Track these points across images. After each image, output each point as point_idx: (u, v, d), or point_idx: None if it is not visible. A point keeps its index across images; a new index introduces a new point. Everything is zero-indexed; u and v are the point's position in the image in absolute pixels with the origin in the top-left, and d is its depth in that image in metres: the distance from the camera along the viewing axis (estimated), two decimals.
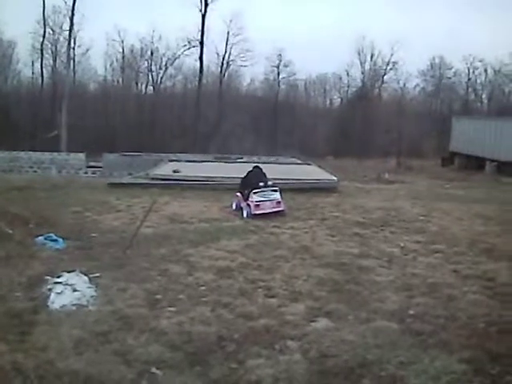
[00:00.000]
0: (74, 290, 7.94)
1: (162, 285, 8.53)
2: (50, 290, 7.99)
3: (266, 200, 15.57)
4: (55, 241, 11.29)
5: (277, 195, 15.85)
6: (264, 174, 16.66)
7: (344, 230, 13.70)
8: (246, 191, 15.77)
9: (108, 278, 8.76)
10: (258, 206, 15.37)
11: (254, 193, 15.51)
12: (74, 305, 7.55)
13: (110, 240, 11.81)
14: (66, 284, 8.15)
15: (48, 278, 8.52)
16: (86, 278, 8.51)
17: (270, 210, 15.43)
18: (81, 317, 7.10)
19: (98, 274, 8.88)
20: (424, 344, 6.64)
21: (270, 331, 6.83)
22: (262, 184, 15.95)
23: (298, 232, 13.22)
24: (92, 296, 7.84)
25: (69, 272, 8.71)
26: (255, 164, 17.94)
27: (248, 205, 15.48)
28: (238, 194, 16.21)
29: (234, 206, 16.34)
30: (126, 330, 6.70)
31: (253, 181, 16.05)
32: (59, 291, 7.89)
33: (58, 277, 8.49)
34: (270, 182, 16.30)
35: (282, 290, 8.50)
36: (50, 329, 6.69)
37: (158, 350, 6.25)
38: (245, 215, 15.35)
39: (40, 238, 11.32)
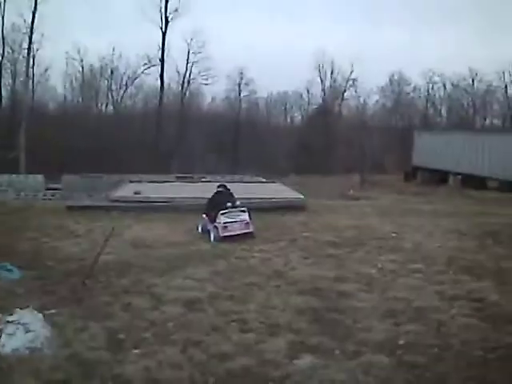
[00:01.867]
0: (28, 331, 7.05)
1: (124, 322, 7.66)
2: (0, 330, 7.10)
3: (234, 221, 14.78)
4: (10, 270, 10.47)
5: (245, 216, 15.06)
6: (231, 193, 15.95)
7: (317, 251, 13.07)
8: (213, 212, 14.94)
9: (65, 314, 7.92)
10: (225, 227, 14.56)
11: (222, 214, 14.71)
12: (27, 348, 6.67)
13: (68, 269, 10.98)
14: (19, 323, 7.26)
15: None
16: (40, 315, 7.64)
17: (239, 232, 14.64)
18: (35, 362, 6.23)
19: (53, 311, 8.05)
20: (421, 379, 6.02)
21: (248, 373, 6.06)
22: (229, 204, 15.18)
23: (268, 255, 12.50)
24: (47, 337, 6.97)
25: (22, 309, 7.84)
26: (220, 183, 17.12)
27: (215, 227, 14.66)
28: (204, 215, 15.38)
29: (200, 229, 15.51)
30: (85, 379, 5.87)
31: (220, 201, 15.24)
32: (11, 332, 7.00)
33: (10, 314, 7.63)
34: (237, 202, 15.57)
35: (258, 322, 7.72)
36: None
37: None
38: (212, 238, 14.55)
39: None
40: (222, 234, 14.42)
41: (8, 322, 7.26)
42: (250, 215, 15.13)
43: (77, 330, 7.28)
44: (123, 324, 7.57)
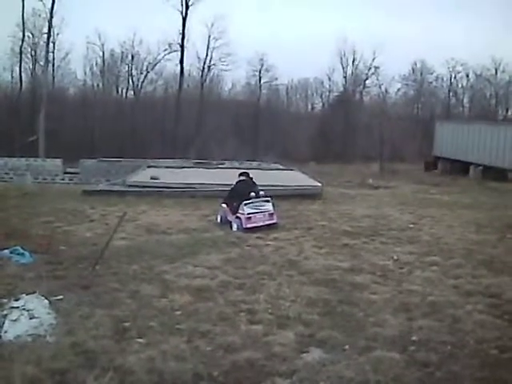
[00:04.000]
0: (32, 317, 6.95)
1: (131, 310, 7.49)
2: (4, 316, 6.98)
3: (257, 212, 14.27)
4: (21, 254, 10.39)
5: (269, 206, 14.56)
6: (254, 182, 15.44)
7: (332, 240, 12.86)
8: (235, 203, 14.39)
9: (72, 301, 7.77)
10: (249, 218, 14.06)
11: (245, 204, 14.22)
12: (30, 335, 6.54)
13: (79, 254, 10.87)
14: (23, 309, 7.16)
15: (5, 300, 7.54)
16: (46, 301, 7.53)
17: (263, 223, 14.15)
18: (36, 350, 6.09)
19: (60, 297, 7.92)
20: (432, 378, 5.78)
21: (254, 366, 5.86)
22: (253, 194, 14.66)
23: (282, 244, 12.31)
24: (51, 324, 6.85)
25: (28, 294, 7.74)
26: (242, 171, 16.49)
27: (238, 218, 14.17)
28: (224, 205, 14.84)
29: (218, 219, 14.95)
30: (87, 368, 5.70)
31: (243, 191, 14.72)
32: (14, 318, 6.89)
33: (16, 300, 7.53)
34: (261, 192, 15.04)
35: (267, 313, 7.51)
36: None
37: None
38: (234, 229, 14.02)
39: (5, 251, 10.43)
40: (245, 226, 13.96)
41: (13, 307, 7.17)
42: (274, 206, 14.72)
43: (82, 317, 7.12)
44: (129, 312, 7.40)
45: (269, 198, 14.78)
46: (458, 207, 19.81)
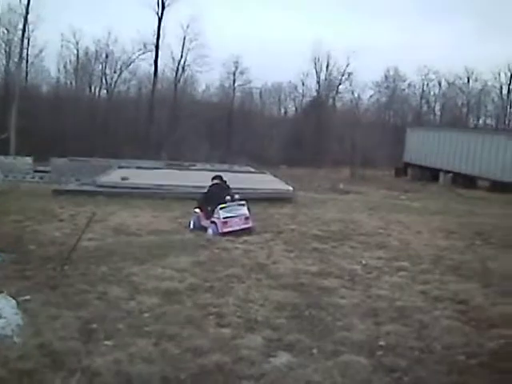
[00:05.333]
0: None
1: (99, 311, 7.40)
2: None
3: (233, 216, 14.01)
4: None
5: (245, 210, 14.29)
6: (228, 185, 15.17)
7: (301, 244, 12.88)
8: (210, 207, 14.12)
9: (39, 301, 7.67)
10: (225, 223, 13.77)
11: (221, 208, 13.96)
12: None
13: (48, 254, 10.77)
14: None
15: None
16: (13, 301, 7.41)
17: (239, 227, 13.89)
18: (3, 351, 5.99)
19: (28, 297, 7.82)
20: (400, 383, 5.81)
21: (222, 370, 5.81)
22: (228, 198, 14.38)
23: (252, 247, 12.27)
24: (18, 325, 6.75)
25: None
26: (215, 174, 15.98)
27: (213, 222, 13.90)
28: (197, 210, 14.58)
29: (191, 225, 14.58)
30: (53, 369, 5.62)
31: (218, 195, 14.40)
32: None
33: None
34: (236, 196, 14.73)
35: (235, 317, 7.48)
36: None
37: None
38: (210, 234, 13.71)
39: None
40: (221, 230, 13.67)
41: None
42: (249, 209, 14.50)
43: (49, 318, 7.02)
44: (97, 313, 7.30)
45: (244, 202, 14.55)
46: (427, 213, 20.01)
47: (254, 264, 10.66)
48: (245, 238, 13.26)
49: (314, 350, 6.48)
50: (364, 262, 11.31)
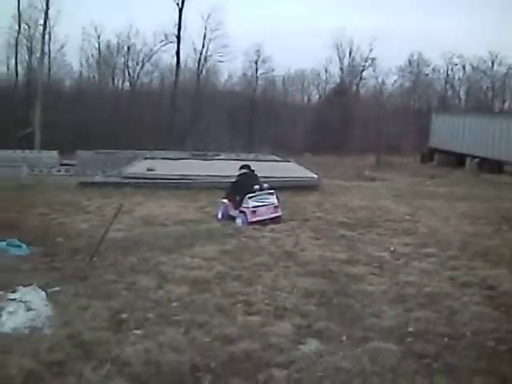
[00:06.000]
0: (29, 309, 6.94)
1: (128, 301, 7.47)
2: (1, 308, 6.97)
3: (262, 205, 13.97)
4: (18, 247, 10.44)
5: (274, 199, 14.23)
6: (256, 175, 15.06)
7: (328, 231, 12.88)
8: (238, 197, 14.05)
9: (69, 293, 7.77)
10: (254, 212, 13.73)
11: (249, 197, 13.89)
12: (27, 327, 6.54)
13: (76, 246, 10.88)
14: (21, 301, 7.14)
15: (1, 293, 7.52)
16: (43, 293, 7.52)
17: (268, 217, 13.84)
18: (34, 342, 6.07)
19: (57, 289, 7.91)
20: (429, 370, 5.77)
21: (251, 357, 5.85)
22: (257, 187, 14.27)
23: (279, 235, 12.29)
24: (48, 316, 6.84)
25: (25, 286, 7.73)
26: (243, 163, 15.88)
27: (242, 212, 13.85)
28: (225, 200, 14.52)
29: (219, 215, 14.58)
30: (84, 360, 5.69)
31: (246, 184, 14.25)
32: (12, 310, 6.88)
33: (13, 292, 7.51)
34: (265, 185, 14.58)
35: (264, 304, 7.50)
36: None
37: None
38: (239, 224, 13.66)
39: (2, 243, 10.46)
40: (250, 220, 13.64)
41: (10, 299, 7.16)
42: (278, 198, 14.45)
43: (79, 309, 7.11)
44: (126, 303, 7.37)
45: (273, 191, 14.46)
46: (453, 199, 19.82)
47: (282, 252, 10.68)
48: (272, 226, 13.28)
49: (343, 337, 6.49)
50: (392, 248, 11.27)
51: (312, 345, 6.29)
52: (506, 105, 64.12)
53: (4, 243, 10.43)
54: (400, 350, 6.15)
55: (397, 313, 7.38)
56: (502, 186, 26.46)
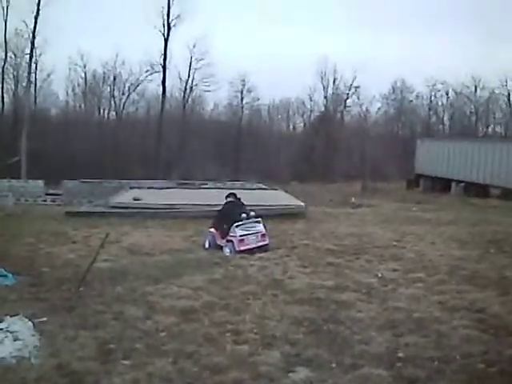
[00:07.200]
0: (16, 339, 6.86)
1: (116, 331, 7.41)
2: None
3: (250, 233, 13.86)
4: (4, 276, 10.36)
5: (261, 227, 14.11)
6: (242, 203, 14.92)
7: (316, 259, 12.83)
8: (225, 225, 13.94)
9: (56, 323, 7.70)
10: (242, 241, 13.61)
11: (236, 226, 13.75)
12: (14, 357, 6.46)
13: (62, 275, 10.80)
14: (7, 331, 7.06)
15: None
16: (30, 323, 7.44)
17: (255, 245, 13.74)
18: (21, 372, 6.02)
19: (44, 319, 7.84)
20: None
21: None
22: (244, 215, 14.12)
23: (267, 263, 12.22)
24: (35, 346, 6.76)
25: (12, 316, 7.65)
26: (229, 192, 15.82)
27: (230, 241, 13.74)
28: (212, 229, 14.43)
29: (206, 244, 14.44)
30: None
31: (233, 212, 14.15)
32: None
33: (0, 322, 7.43)
34: (252, 213, 14.41)
35: (253, 333, 7.46)
36: None
37: None
38: (227, 253, 13.54)
39: None
40: (238, 248, 13.52)
41: None
42: (265, 226, 14.35)
43: (66, 339, 7.05)
44: (114, 334, 7.31)
45: (259, 219, 14.36)
46: (440, 224, 19.92)
47: (270, 280, 10.63)
48: (259, 254, 13.23)
49: (333, 364, 6.46)
50: (380, 274, 11.26)
51: (302, 373, 6.26)
52: (490, 129, 64.90)
53: None
54: (390, 375, 6.15)
55: (386, 338, 7.36)
56: (488, 210, 26.65)
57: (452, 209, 27.50)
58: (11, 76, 55.25)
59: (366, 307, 8.90)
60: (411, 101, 64.86)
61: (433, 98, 64.63)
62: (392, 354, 6.78)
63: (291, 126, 69.58)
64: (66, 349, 6.73)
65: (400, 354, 6.78)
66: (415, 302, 9.21)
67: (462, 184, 36.67)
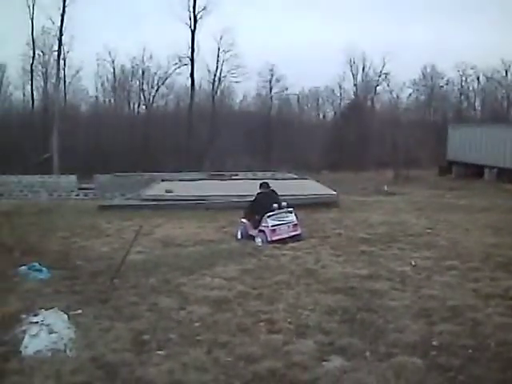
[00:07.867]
0: (51, 332, 6.94)
1: (150, 322, 7.48)
2: (24, 331, 7.00)
3: (282, 224, 13.84)
4: (39, 270, 10.46)
5: (292, 217, 14.08)
6: (275, 192, 14.88)
7: (349, 248, 12.81)
8: (257, 216, 13.94)
9: (90, 315, 7.79)
10: (274, 231, 13.64)
11: (268, 216, 13.78)
12: (49, 350, 6.55)
13: (96, 268, 10.89)
14: (43, 324, 7.15)
15: (24, 316, 7.56)
16: (65, 316, 7.53)
17: (287, 235, 13.72)
18: (56, 365, 6.09)
19: (79, 311, 7.94)
20: (454, 382, 5.73)
21: (275, 376, 5.82)
22: (276, 206, 14.07)
23: (299, 253, 12.22)
24: (71, 338, 6.85)
25: (47, 309, 7.76)
26: (262, 181, 15.72)
27: (262, 231, 13.76)
28: (244, 220, 14.48)
29: (239, 235, 14.49)
30: (107, 381, 5.71)
31: (265, 203, 14.11)
32: (34, 333, 6.90)
33: (35, 315, 7.54)
34: (283, 203, 14.38)
35: (286, 323, 7.47)
36: (20, 380, 5.77)
37: None
38: (259, 243, 13.55)
39: (23, 267, 10.50)
40: (270, 239, 13.53)
41: (32, 322, 7.18)
42: (296, 216, 14.32)
43: (101, 331, 7.14)
44: (149, 324, 7.39)
45: (291, 209, 14.33)
46: (473, 211, 19.74)
47: (303, 270, 10.62)
48: (292, 244, 13.23)
49: (367, 353, 6.43)
50: (413, 262, 11.18)
51: (336, 362, 6.25)
52: None
53: (25, 268, 10.48)
54: (424, 364, 6.10)
55: (420, 327, 7.32)
56: None
57: (485, 195, 27.17)
58: (40, 74, 55.98)
59: (399, 295, 8.85)
60: (442, 86, 63.98)
61: (463, 83, 63.73)
62: (426, 343, 6.73)
63: (321, 115, 69.21)
64: (101, 340, 6.81)
65: (434, 343, 6.73)
66: (449, 289, 9.13)
67: (495, 170, 36.18)
